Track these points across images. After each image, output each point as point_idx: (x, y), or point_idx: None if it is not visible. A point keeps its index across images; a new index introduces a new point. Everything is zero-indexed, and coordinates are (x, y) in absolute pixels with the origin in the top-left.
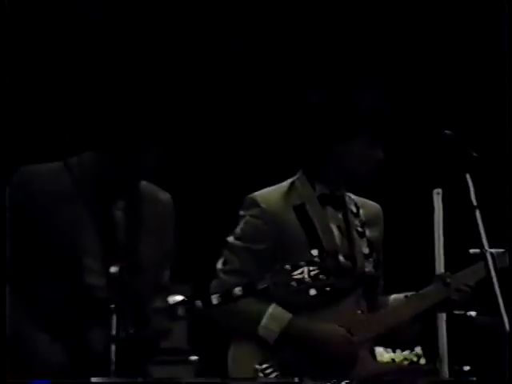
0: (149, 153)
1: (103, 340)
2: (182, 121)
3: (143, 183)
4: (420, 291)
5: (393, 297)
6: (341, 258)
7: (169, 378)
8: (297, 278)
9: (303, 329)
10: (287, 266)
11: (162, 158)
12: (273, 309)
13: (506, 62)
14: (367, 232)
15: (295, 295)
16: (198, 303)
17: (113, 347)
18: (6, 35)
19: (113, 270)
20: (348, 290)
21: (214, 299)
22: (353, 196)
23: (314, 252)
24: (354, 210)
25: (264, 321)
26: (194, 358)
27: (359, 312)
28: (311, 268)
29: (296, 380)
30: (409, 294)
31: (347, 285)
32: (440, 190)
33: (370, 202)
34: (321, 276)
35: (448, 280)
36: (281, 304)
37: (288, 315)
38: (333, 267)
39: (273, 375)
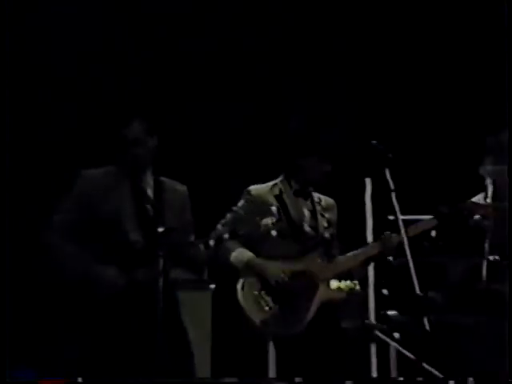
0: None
1: (148, 276)
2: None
3: (165, 179)
4: (361, 248)
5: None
6: (307, 228)
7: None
8: (264, 224)
9: (258, 263)
10: (258, 218)
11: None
12: (241, 248)
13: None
14: (326, 214)
15: (265, 241)
16: (201, 245)
17: (160, 280)
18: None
19: (160, 229)
20: (313, 247)
21: (211, 242)
22: (317, 194)
23: (274, 209)
24: (318, 200)
25: (234, 253)
26: (212, 286)
27: (320, 261)
28: (273, 219)
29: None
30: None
31: (312, 244)
32: (369, 179)
33: (328, 198)
34: (280, 224)
35: (383, 240)
36: (258, 251)
37: (250, 253)
38: (298, 231)
39: (268, 298)
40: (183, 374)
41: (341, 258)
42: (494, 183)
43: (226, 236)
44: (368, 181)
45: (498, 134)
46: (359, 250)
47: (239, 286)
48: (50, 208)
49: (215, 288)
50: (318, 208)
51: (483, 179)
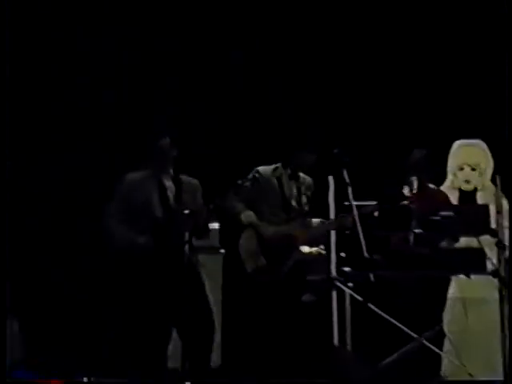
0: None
1: (176, 244)
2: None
3: (182, 176)
4: (330, 219)
5: (313, 220)
6: (293, 202)
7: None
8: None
9: (259, 224)
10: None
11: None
12: (248, 211)
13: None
14: (307, 193)
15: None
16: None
17: (186, 246)
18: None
19: (186, 211)
20: (295, 217)
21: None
22: (302, 174)
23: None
24: (302, 181)
25: (243, 214)
26: (222, 251)
27: (299, 228)
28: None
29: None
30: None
31: (296, 215)
32: (332, 177)
33: (309, 178)
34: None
35: (343, 215)
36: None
37: (255, 217)
38: (288, 206)
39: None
40: (206, 327)
41: (313, 227)
42: (417, 180)
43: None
44: (331, 178)
45: (418, 153)
46: (324, 224)
47: (241, 240)
48: (107, 200)
49: (225, 253)
50: (302, 188)
51: (408, 178)
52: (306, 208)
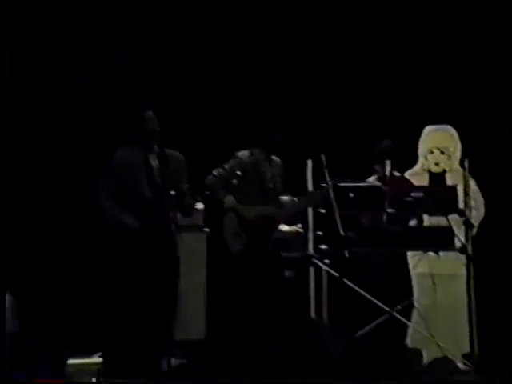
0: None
1: (163, 222)
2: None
3: (169, 150)
4: (301, 196)
5: (285, 197)
6: (270, 184)
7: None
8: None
9: (240, 207)
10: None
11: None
12: (230, 196)
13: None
14: (280, 173)
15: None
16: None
17: (173, 226)
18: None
19: (172, 192)
20: (270, 197)
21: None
22: (274, 157)
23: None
24: (274, 163)
25: (226, 199)
26: (206, 229)
27: (274, 208)
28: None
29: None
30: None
31: (271, 196)
32: (311, 161)
33: (279, 160)
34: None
35: (312, 192)
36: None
37: (235, 201)
38: (265, 188)
39: (242, 232)
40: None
41: (288, 206)
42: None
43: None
44: (309, 161)
45: (381, 142)
46: (297, 202)
47: (224, 222)
48: (98, 177)
49: (209, 231)
50: (275, 170)
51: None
52: (279, 189)
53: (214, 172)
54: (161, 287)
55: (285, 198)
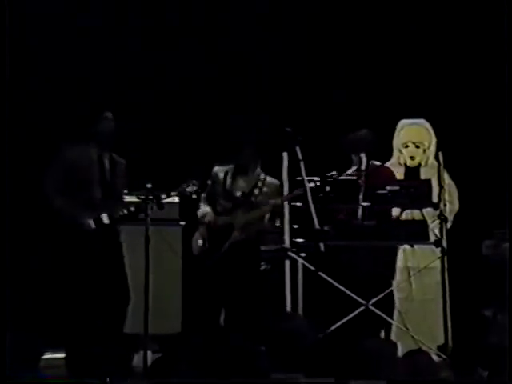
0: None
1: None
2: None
3: (114, 154)
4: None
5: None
6: (238, 193)
7: None
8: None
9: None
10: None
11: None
12: (205, 206)
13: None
14: (262, 187)
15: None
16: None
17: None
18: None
19: (148, 185)
20: (246, 205)
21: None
22: (262, 174)
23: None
24: (256, 177)
25: (200, 210)
26: (182, 223)
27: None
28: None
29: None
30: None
31: (247, 203)
32: (286, 153)
33: (272, 179)
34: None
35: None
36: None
37: (208, 210)
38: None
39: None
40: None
41: (251, 213)
42: (359, 164)
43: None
44: (285, 154)
45: (358, 133)
46: (257, 210)
47: (193, 239)
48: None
49: (184, 225)
50: (257, 182)
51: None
52: (258, 199)
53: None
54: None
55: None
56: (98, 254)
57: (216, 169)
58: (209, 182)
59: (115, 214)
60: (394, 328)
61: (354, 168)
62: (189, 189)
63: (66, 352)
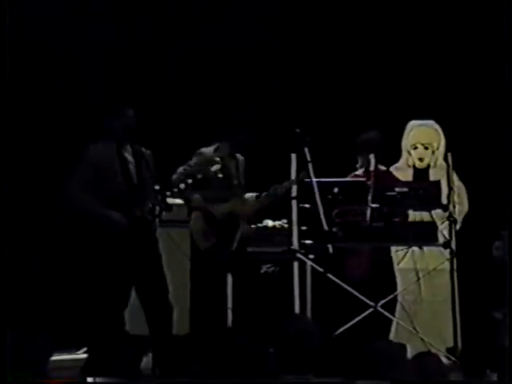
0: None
1: (146, 216)
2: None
3: (137, 146)
4: (264, 193)
5: (249, 194)
6: (235, 181)
7: None
8: (213, 169)
9: (204, 205)
10: (207, 166)
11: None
12: (197, 195)
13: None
14: (241, 169)
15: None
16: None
17: (157, 221)
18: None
19: (156, 187)
20: (235, 194)
21: (182, 186)
22: (238, 155)
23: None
24: (238, 159)
25: (193, 197)
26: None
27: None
28: (219, 167)
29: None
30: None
31: (236, 192)
32: (294, 155)
33: (240, 156)
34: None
35: (275, 186)
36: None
37: (201, 199)
38: (231, 185)
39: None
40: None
41: (253, 202)
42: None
43: (189, 182)
44: (293, 156)
45: (365, 134)
46: (261, 198)
47: (191, 222)
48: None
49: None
50: (239, 166)
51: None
52: (242, 184)
53: (180, 169)
54: (143, 284)
55: (249, 194)
56: (130, 250)
57: (204, 150)
58: (191, 164)
59: (146, 207)
60: (399, 330)
61: (361, 169)
62: (181, 185)
63: (88, 352)
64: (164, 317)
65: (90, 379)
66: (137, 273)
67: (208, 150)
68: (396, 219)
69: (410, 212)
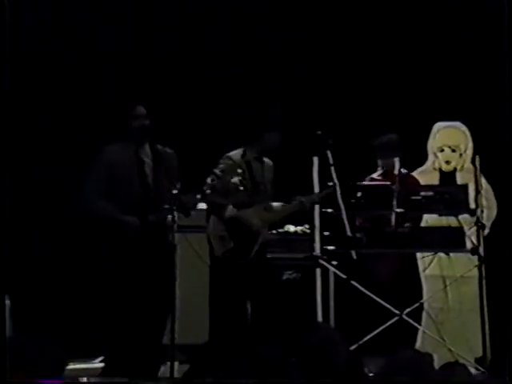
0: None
1: (162, 221)
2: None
3: (161, 147)
4: (288, 203)
5: (275, 204)
6: (262, 186)
7: None
8: (233, 182)
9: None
10: (228, 177)
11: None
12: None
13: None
14: (269, 175)
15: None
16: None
17: (175, 225)
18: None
19: (174, 191)
20: (260, 200)
21: (208, 191)
22: (266, 159)
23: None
24: (265, 164)
25: (229, 207)
26: None
27: (262, 210)
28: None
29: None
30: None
31: (261, 198)
32: (316, 158)
33: (269, 160)
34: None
35: (301, 199)
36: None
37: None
38: (258, 190)
39: (227, 235)
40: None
41: (274, 209)
42: (383, 168)
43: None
44: (315, 159)
45: (386, 136)
46: (286, 207)
47: (209, 225)
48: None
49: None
50: (266, 171)
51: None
52: (268, 190)
53: (208, 180)
54: (156, 290)
55: (275, 204)
56: (144, 255)
57: (232, 155)
58: (219, 173)
59: (161, 212)
60: (426, 339)
61: (379, 172)
62: (207, 191)
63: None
64: (160, 325)
65: (84, 379)
66: (145, 278)
67: (235, 154)
68: (408, 224)
69: (436, 217)
